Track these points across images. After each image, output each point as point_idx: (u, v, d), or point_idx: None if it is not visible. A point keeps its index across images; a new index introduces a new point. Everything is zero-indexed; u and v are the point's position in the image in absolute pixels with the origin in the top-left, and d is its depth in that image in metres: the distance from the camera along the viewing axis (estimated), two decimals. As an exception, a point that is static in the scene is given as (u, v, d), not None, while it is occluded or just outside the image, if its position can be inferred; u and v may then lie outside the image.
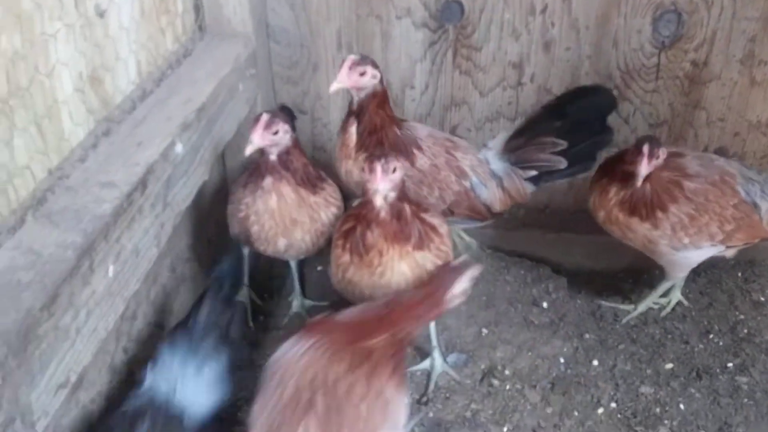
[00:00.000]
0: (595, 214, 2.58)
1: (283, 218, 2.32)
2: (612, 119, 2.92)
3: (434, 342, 2.45)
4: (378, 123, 2.45)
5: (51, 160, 1.79)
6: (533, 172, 2.59)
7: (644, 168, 2.30)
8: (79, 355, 1.58)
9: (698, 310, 2.83)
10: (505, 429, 2.29)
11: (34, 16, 1.68)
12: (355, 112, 2.47)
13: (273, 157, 2.25)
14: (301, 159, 2.32)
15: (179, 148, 2.08)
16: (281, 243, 2.38)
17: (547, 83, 2.97)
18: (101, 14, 2.01)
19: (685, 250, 2.47)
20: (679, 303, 2.83)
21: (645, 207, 2.41)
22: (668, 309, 2.79)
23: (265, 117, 2.18)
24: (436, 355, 2.46)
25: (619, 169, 2.44)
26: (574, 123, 2.55)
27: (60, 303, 1.47)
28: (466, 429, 2.28)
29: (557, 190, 3.12)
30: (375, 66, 2.38)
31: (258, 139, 2.16)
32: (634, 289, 2.98)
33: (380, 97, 2.44)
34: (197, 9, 2.69)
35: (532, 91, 2.99)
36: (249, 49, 2.73)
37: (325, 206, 2.39)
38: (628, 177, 2.38)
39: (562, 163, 2.56)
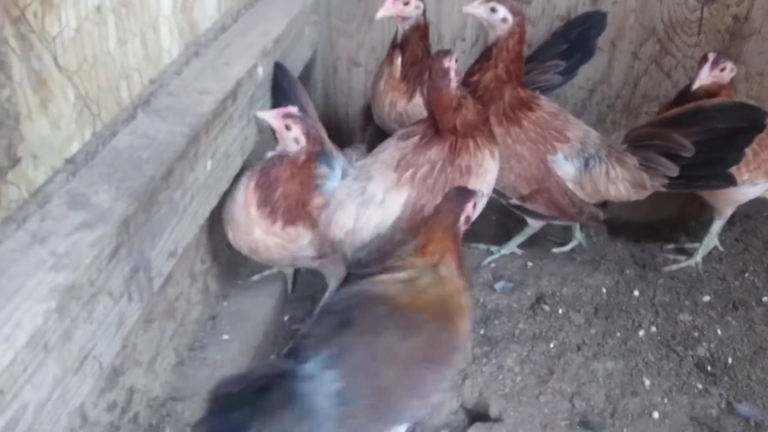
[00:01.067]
0: None
1: None
2: (654, 71, 3.09)
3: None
4: (419, 54, 2.64)
5: (153, 69, 1.98)
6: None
7: (705, 73, 2.45)
8: (184, 231, 1.77)
9: (734, 254, 2.96)
10: (551, 345, 2.45)
11: (146, -64, 1.87)
12: (400, 44, 2.65)
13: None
14: None
15: (260, 70, 2.27)
16: None
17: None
18: (192, -53, 2.21)
19: (745, 186, 2.60)
20: (715, 247, 2.96)
21: None
22: (704, 252, 2.92)
23: None
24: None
25: (693, 98, 2.51)
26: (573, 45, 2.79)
27: (174, 178, 1.67)
28: (514, 343, 2.44)
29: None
30: None
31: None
32: (672, 237, 3.12)
33: (422, 30, 2.64)
34: (267, -43, 2.88)
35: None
36: (313, -4, 2.92)
37: None
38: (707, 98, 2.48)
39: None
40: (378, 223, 2.19)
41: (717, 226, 2.87)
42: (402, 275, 1.81)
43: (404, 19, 2.61)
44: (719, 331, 2.52)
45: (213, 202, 1.98)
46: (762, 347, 2.47)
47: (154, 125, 1.78)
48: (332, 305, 1.85)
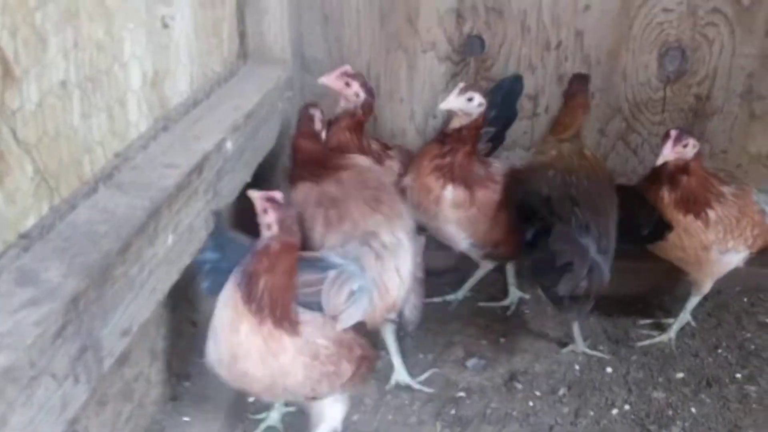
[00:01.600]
0: None
1: None
2: (621, 148, 3.16)
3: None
4: (342, 140, 2.75)
5: (119, 143, 1.98)
6: None
7: (668, 150, 2.50)
8: (140, 308, 1.72)
9: (706, 330, 2.95)
10: (523, 425, 2.38)
11: (117, 13, 1.90)
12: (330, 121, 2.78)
13: None
14: None
15: (229, 144, 2.27)
16: None
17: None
18: (166, 25, 2.25)
19: (728, 254, 2.65)
20: (687, 323, 2.95)
21: (696, 202, 2.57)
22: (678, 327, 2.89)
23: None
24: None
25: (665, 173, 2.59)
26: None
27: (131, 253, 1.63)
28: (485, 424, 2.38)
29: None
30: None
31: None
32: (645, 311, 3.10)
33: (355, 119, 2.74)
34: (242, 35, 2.94)
35: (546, 121, 3.20)
36: (287, 73, 2.97)
37: None
38: (674, 177, 2.57)
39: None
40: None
41: (693, 302, 2.86)
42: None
43: (345, 98, 2.72)
44: (693, 410, 2.48)
45: (173, 277, 1.93)
46: (737, 426, 2.43)
47: (114, 199, 1.76)
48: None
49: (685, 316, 2.89)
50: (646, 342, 2.85)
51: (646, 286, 3.21)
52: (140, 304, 1.72)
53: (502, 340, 2.80)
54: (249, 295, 1.93)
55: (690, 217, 2.57)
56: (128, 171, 1.93)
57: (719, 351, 2.80)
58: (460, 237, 2.70)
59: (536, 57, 3.11)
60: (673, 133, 2.53)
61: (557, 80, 3.13)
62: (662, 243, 2.63)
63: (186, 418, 2.31)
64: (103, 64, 1.86)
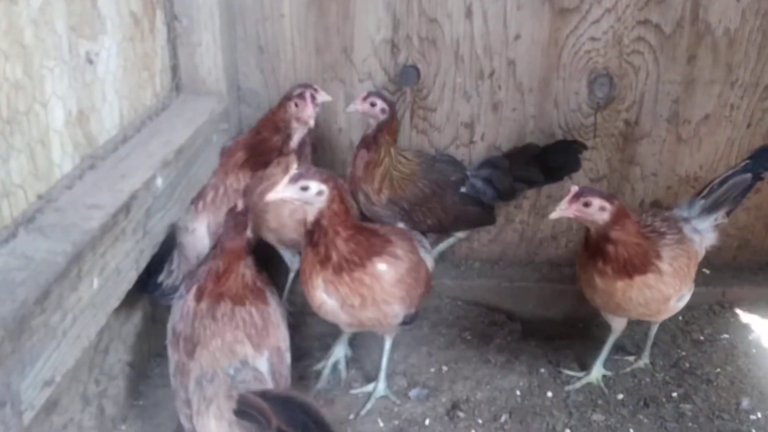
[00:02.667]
0: (608, 300, 2.44)
1: None
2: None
3: (383, 367, 2.61)
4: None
5: (41, 184, 1.92)
6: None
7: (564, 204, 2.23)
8: (63, 356, 1.66)
9: (644, 349, 2.99)
10: (466, 455, 2.38)
11: (36, 51, 1.85)
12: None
13: None
14: None
15: (159, 181, 2.23)
16: None
17: (496, 141, 3.24)
18: (91, 61, 2.20)
19: (683, 299, 2.57)
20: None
21: (635, 267, 2.32)
22: (600, 364, 2.80)
23: None
24: (382, 378, 2.61)
25: (591, 246, 2.36)
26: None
27: (51, 301, 1.58)
28: (428, 456, 2.37)
29: (509, 243, 3.38)
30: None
31: None
32: (583, 333, 3.15)
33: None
34: (174, 69, 2.90)
35: (482, 148, 3.25)
36: (222, 105, 2.94)
37: None
38: (599, 248, 2.32)
39: None
40: None
41: (654, 330, 2.87)
42: None
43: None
44: (632, 431, 2.51)
45: (101, 321, 1.88)
46: (674, 446, 2.47)
47: (34, 244, 1.70)
48: None
49: (650, 343, 2.88)
50: (577, 385, 2.74)
51: (587, 308, 3.26)
52: (64, 352, 1.66)
53: (444, 368, 2.79)
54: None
55: (638, 277, 2.34)
56: (51, 213, 1.87)
57: (655, 370, 2.85)
58: None
59: (471, 86, 3.15)
60: (574, 189, 2.26)
61: (492, 108, 3.19)
62: (626, 307, 2.43)
63: (121, 465, 2.24)
64: (21, 104, 1.81)
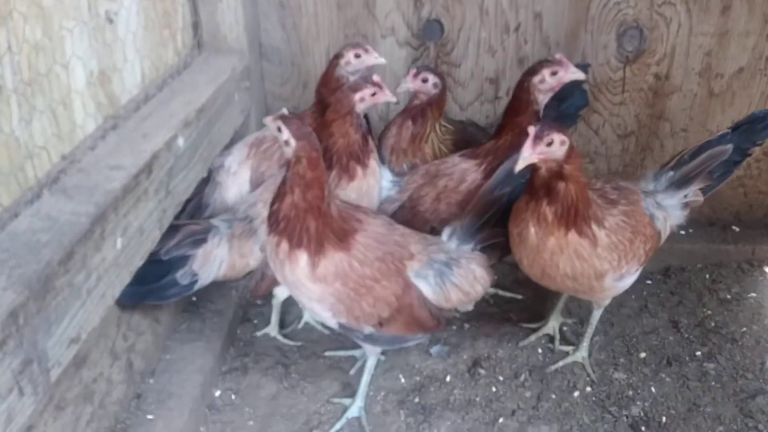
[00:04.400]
0: (534, 258, 2.19)
1: None
2: (583, 129, 3.17)
3: (362, 388, 2.43)
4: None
5: (64, 145, 1.94)
6: None
7: (527, 151, 2.00)
8: (89, 315, 1.70)
9: (669, 308, 2.98)
10: (486, 411, 2.41)
11: (54, 12, 1.85)
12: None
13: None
14: None
15: (181, 141, 2.24)
16: None
17: (523, 97, 3.17)
18: (111, 19, 2.19)
19: (624, 279, 2.31)
20: (650, 300, 2.98)
21: (578, 214, 2.10)
22: (586, 344, 2.66)
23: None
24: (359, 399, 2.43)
25: (538, 184, 2.11)
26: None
27: (75, 261, 1.61)
28: (448, 411, 2.40)
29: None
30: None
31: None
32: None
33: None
34: (196, 26, 2.89)
35: (507, 104, 3.19)
36: (244, 63, 2.92)
37: None
38: (549, 186, 2.09)
39: None
40: None
41: (596, 315, 2.59)
42: None
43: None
44: (653, 389, 2.52)
45: (125, 280, 1.91)
46: (696, 404, 2.47)
47: (58, 205, 1.73)
48: None
49: (590, 331, 2.62)
50: (560, 363, 2.61)
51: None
52: (89, 310, 1.71)
53: (466, 325, 2.81)
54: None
55: (573, 236, 2.11)
56: (75, 174, 1.89)
57: (680, 329, 2.83)
58: None
59: (496, 40, 3.09)
60: (533, 129, 2.02)
61: (518, 63, 3.12)
62: (551, 273, 2.20)
63: (150, 416, 2.31)
64: (42, 66, 1.82)
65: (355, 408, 2.41)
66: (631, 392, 2.50)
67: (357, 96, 2.40)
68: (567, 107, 2.97)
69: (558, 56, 2.51)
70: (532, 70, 2.51)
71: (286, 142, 2.03)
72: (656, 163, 3.27)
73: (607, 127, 3.22)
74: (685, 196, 2.46)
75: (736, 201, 3.36)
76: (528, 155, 2.01)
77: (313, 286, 2.08)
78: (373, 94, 2.42)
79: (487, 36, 3.08)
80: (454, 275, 2.21)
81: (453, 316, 2.36)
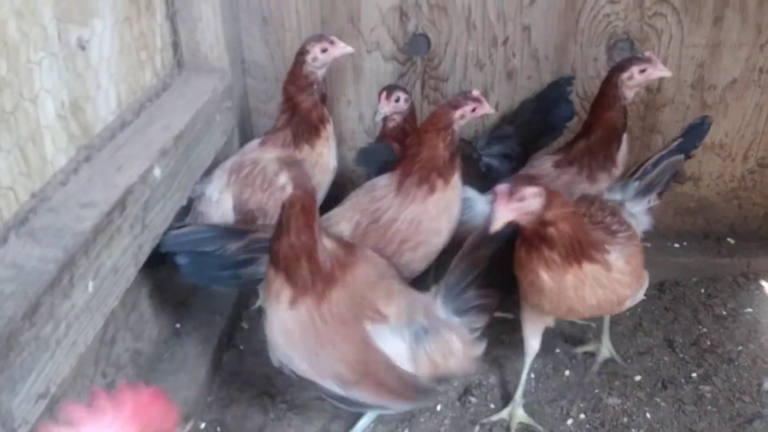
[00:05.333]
0: (559, 300, 2.12)
1: None
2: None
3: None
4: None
5: (34, 182, 1.87)
6: None
7: (499, 210, 1.93)
8: (58, 366, 1.63)
9: (664, 325, 2.92)
10: (477, 441, 2.35)
11: (20, 45, 1.78)
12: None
13: None
14: None
15: (157, 172, 2.17)
16: None
17: (511, 111, 3.11)
18: (83, 47, 2.12)
19: (636, 296, 2.30)
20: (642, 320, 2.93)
21: (584, 246, 2.05)
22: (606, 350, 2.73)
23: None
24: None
25: (528, 237, 2.05)
26: None
27: (41, 313, 1.54)
28: (440, 441, 2.34)
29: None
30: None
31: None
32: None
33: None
34: (175, 46, 2.81)
35: (497, 118, 3.12)
36: (225, 82, 2.84)
37: None
38: (541, 236, 2.01)
39: None
40: None
41: (607, 321, 2.72)
42: None
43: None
44: (648, 415, 2.46)
45: (98, 323, 1.84)
46: (692, 430, 2.41)
47: (25, 251, 1.66)
48: None
49: (606, 339, 2.71)
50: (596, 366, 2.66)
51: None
52: (59, 361, 1.64)
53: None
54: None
55: (588, 266, 2.06)
56: (44, 214, 1.82)
57: (675, 348, 2.77)
58: None
59: (484, 54, 3.01)
60: (500, 188, 1.94)
61: (506, 76, 3.05)
62: (579, 307, 2.15)
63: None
64: (8, 103, 1.74)
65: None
66: (626, 419, 2.44)
67: (457, 113, 2.36)
68: (552, 118, 2.92)
69: (647, 54, 2.58)
70: (621, 67, 2.60)
71: (283, 187, 1.99)
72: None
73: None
74: (649, 202, 2.54)
75: (730, 213, 3.31)
76: (501, 215, 1.93)
77: (284, 322, 2.05)
78: (474, 110, 2.37)
79: (475, 50, 3.01)
80: (429, 342, 2.11)
81: (434, 388, 2.19)
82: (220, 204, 2.58)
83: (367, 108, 3.17)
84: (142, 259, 2.10)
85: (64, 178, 1.98)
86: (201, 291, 2.98)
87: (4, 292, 1.51)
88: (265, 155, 2.66)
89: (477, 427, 2.41)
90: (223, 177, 2.62)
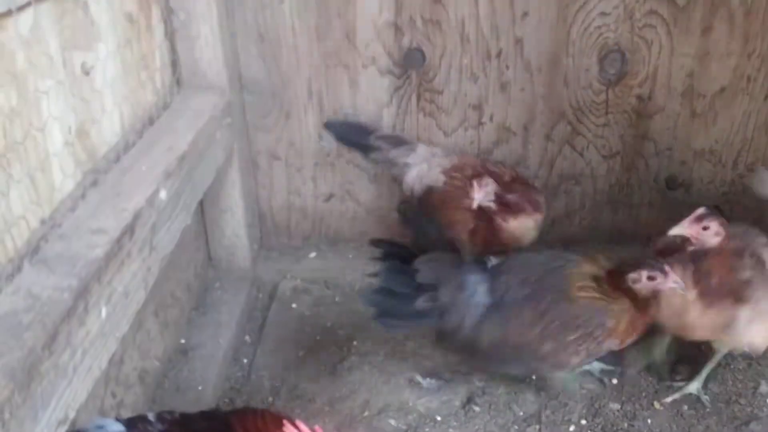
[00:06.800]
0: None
1: None
2: (568, 152, 3.17)
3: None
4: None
5: (44, 210, 1.89)
6: None
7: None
8: (76, 392, 1.67)
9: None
10: (482, 449, 2.40)
11: (29, 75, 1.81)
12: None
13: None
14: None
15: (163, 194, 2.20)
16: None
17: (505, 122, 3.17)
18: (87, 72, 2.15)
19: None
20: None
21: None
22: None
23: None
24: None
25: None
26: None
27: (59, 342, 1.57)
28: (446, 451, 2.39)
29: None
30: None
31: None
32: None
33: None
34: (174, 64, 2.84)
35: (492, 129, 3.18)
36: (224, 99, 2.88)
37: None
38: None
39: None
40: None
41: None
42: None
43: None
44: (649, 420, 2.52)
45: (112, 347, 1.87)
46: (690, 433, 2.47)
47: (39, 279, 1.69)
48: None
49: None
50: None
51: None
52: (76, 388, 1.67)
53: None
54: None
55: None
56: (56, 241, 1.85)
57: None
58: None
59: (477, 67, 3.06)
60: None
61: (500, 88, 3.10)
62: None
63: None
64: (18, 133, 1.77)
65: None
66: (626, 424, 2.50)
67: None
68: None
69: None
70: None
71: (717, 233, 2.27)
72: (642, 182, 3.29)
73: (591, 149, 3.21)
74: None
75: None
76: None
77: None
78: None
79: (469, 62, 3.06)
80: None
81: None
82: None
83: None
84: (151, 280, 2.13)
85: (72, 204, 2.01)
86: (203, 307, 3.02)
87: (22, 322, 1.54)
88: None
89: (481, 436, 2.47)
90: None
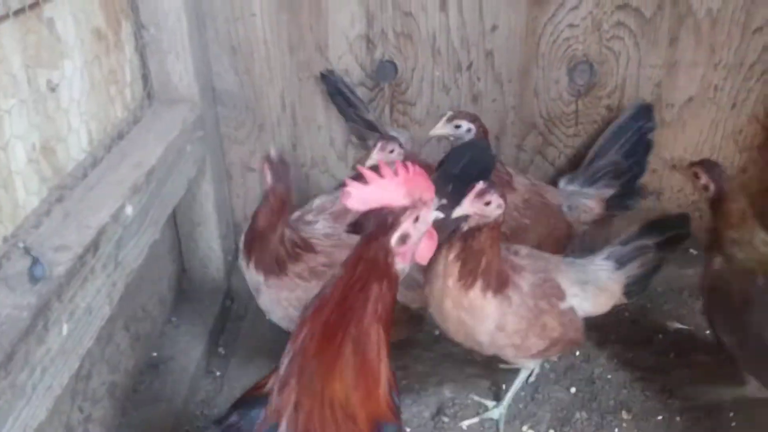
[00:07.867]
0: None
1: None
2: (539, 162, 3.20)
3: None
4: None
5: (6, 227, 1.90)
6: None
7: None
8: (35, 411, 1.67)
9: (629, 336, 3.00)
10: (450, 460, 2.41)
11: (-10, 95, 1.81)
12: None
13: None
14: None
15: (129, 210, 2.21)
16: None
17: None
18: (53, 89, 2.16)
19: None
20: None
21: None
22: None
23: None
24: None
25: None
26: None
27: (16, 361, 1.57)
28: (414, 463, 2.40)
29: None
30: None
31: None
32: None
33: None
34: (145, 78, 2.85)
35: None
36: (196, 112, 2.89)
37: None
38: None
39: None
40: None
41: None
42: None
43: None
44: (616, 430, 2.54)
45: (74, 364, 1.88)
46: (657, 441, 2.50)
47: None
48: None
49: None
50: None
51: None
52: (35, 406, 1.67)
53: (429, 369, 2.81)
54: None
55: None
56: (18, 259, 1.85)
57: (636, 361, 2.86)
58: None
59: (449, 79, 3.09)
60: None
61: (472, 100, 3.13)
62: None
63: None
64: (-22, 153, 1.78)
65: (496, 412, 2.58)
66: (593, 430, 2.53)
67: None
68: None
69: None
70: None
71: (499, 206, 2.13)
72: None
73: (562, 158, 3.25)
74: None
75: (692, 225, 3.39)
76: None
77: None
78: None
79: (441, 75, 3.09)
80: None
81: None
82: None
83: (338, 133, 3.24)
84: (116, 296, 2.14)
85: (36, 221, 2.01)
86: (176, 319, 3.02)
87: (-21, 342, 1.55)
88: None
89: (451, 446, 2.48)
90: None
